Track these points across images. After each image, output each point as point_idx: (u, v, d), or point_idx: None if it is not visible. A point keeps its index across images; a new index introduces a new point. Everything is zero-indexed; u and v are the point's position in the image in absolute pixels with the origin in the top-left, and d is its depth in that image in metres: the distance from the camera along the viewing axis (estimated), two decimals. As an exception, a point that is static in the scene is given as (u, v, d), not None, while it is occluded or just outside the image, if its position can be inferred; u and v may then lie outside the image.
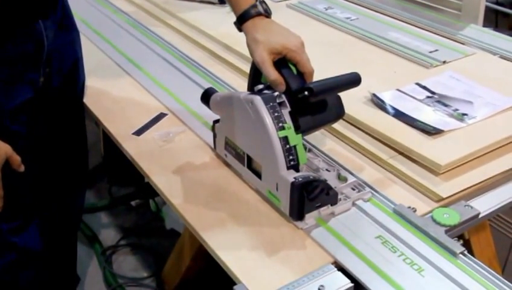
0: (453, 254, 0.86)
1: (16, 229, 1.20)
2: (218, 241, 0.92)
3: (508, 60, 1.48)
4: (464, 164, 1.06)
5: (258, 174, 0.99)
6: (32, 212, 1.22)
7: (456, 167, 1.05)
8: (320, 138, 1.16)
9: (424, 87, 1.29)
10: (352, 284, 0.83)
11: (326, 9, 1.80)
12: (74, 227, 1.53)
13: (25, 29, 1.07)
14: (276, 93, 0.97)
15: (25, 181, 1.17)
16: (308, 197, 0.89)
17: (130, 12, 1.83)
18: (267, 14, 1.06)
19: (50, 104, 1.19)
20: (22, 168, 1.04)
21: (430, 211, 0.96)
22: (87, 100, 1.33)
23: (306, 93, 0.95)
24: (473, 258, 0.86)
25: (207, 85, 1.30)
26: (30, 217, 1.22)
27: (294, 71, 1.00)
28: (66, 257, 1.49)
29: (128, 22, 1.76)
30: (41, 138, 1.19)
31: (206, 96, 1.10)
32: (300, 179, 0.90)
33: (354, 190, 1.00)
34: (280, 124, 0.93)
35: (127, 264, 1.99)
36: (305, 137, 1.06)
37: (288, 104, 0.96)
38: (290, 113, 0.96)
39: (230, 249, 0.90)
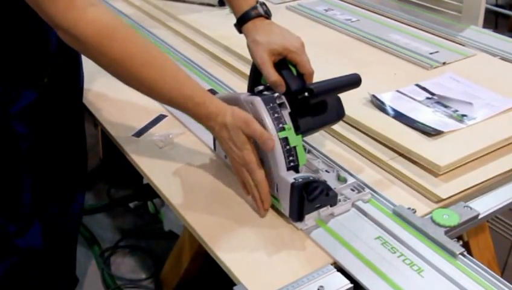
0: (453, 254, 0.86)
1: (20, 231, 1.21)
2: (217, 242, 0.91)
3: (507, 61, 1.48)
4: (464, 165, 1.06)
5: (258, 175, 0.99)
6: (35, 213, 1.22)
7: (455, 168, 1.05)
8: (319, 139, 1.16)
9: (424, 89, 1.30)
10: (351, 285, 0.83)
11: (326, 11, 1.81)
12: (74, 228, 1.52)
13: (30, 31, 1.07)
14: (276, 94, 0.97)
15: (27, 182, 1.17)
16: (308, 198, 0.89)
17: (130, 14, 1.83)
18: (267, 15, 1.06)
19: (52, 105, 1.19)
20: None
21: (430, 212, 0.96)
22: (87, 102, 1.33)
23: (306, 94, 0.95)
24: (472, 259, 0.86)
25: (207, 87, 1.30)
26: (33, 218, 1.22)
27: (295, 72, 1.00)
28: (65, 258, 1.49)
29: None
30: (43, 139, 1.19)
31: (206, 98, 1.10)
32: (300, 180, 0.90)
33: (353, 190, 1.00)
34: (280, 125, 0.93)
35: (126, 266, 1.99)
36: (305, 138, 1.06)
37: (288, 105, 0.96)
38: (290, 114, 0.96)
39: (230, 250, 0.90)
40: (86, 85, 1.33)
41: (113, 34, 0.92)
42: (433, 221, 0.93)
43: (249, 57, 1.05)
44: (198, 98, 0.96)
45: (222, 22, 1.66)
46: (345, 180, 1.00)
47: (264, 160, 0.96)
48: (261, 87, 1.01)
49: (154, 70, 0.95)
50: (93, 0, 0.91)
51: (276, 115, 0.94)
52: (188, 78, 0.98)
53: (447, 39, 1.61)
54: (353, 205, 0.98)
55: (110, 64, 0.94)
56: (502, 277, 0.83)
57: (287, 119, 0.95)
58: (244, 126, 0.94)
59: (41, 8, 0.89)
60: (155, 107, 1.30)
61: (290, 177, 0.91)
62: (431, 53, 1.49)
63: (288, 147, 0.93)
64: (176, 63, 0.99)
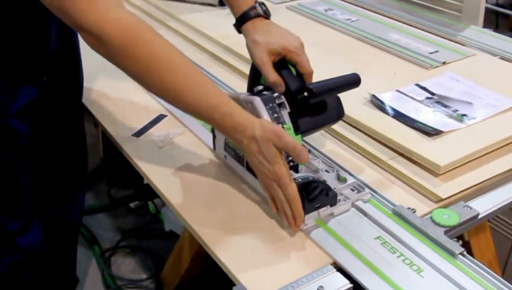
0: (452, 254, 0.86)
1: (19, 230, 1.21)
2: (217, 242, 0.91)
3: (508, 61, 1.48)
4: (464, 164, 1.06)
5: (258, 175, 0.99)
6: (35, 213, 1.22)
7: (455, 168, 1.05)
8: (319, 139, 1.16)
9: (424, 88, 1.29)
10: (351, 285, 0.83)
11: (326, 11, 1.81)
12: (74, 228, 1.53)
13: (30, 29, 1.07)
14: (275, 94, 0.97)
15: (27, 181, 1.17)
16: (308, 197, 0.89)
17: (130, 14, 1.83)
18: (266, 15, 1.06)
19: (52, 104, 1.19)
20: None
21: (430, 212, 0.96)
22: (86, 101, 1.33)
23: (305, 94, 0.95)
24: (472, 258, 0.86)
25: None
26: (33, 217, 1.22)
27: (294, 72, 1.00)
28: (65, 258, 1.49)
29: (128, 23, 1.76)
30: (43, 138, 1.19)
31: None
32: (299, 180, 0.90)
33: (353, 190, 1.00)
34: (280, 125, 0.93)
35: (126, 266, 1.99)
36: (305, 138, 1.06)
37: (287, 105, 0.96)
38: (290, 114, 0.96)
39: (230, 250, 0.90)
40: (85, 85, 1.33)
41: (138, 35, 0.90)
42: (433, 221, 0.92)
43: (249, 57, 1.05)
44: (224, 108, 0.91)
45: (222, 21, 1.66)
46: (344, 180, 1.00)
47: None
48: (260, 87, 1.01)
49: (180, 76, 0.91)
50: (116, 2, 0.89)
51: (275, 115, 0.94)
52: (214, 86, 0.94)
53: (447, 39, 1.61)
54: (353, 205, 0.98)
55: (134, 68, 0.91)
56: (502, 276, 0.82)
57: (287, 119, 0.95)
58: (276, 139, 0.88)
59: (64, 10, 0.88)
60: (155, 107, 1.30)
61: (290, 177, 0.91)
62: (431, 53, 1.49)
63: (287, 147, 0.93)
64: (200, 70, 0.95)
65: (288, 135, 0.89)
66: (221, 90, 0.94)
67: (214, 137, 1.10)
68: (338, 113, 1.04)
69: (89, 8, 0.87)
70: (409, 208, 0.95)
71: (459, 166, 1.05)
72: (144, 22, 0.92)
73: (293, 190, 0.89)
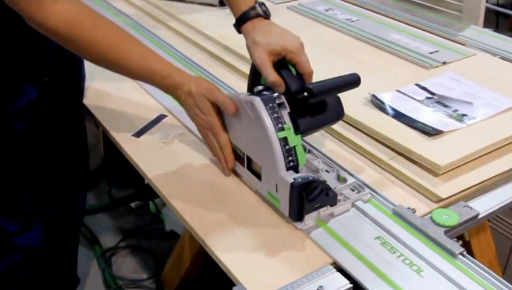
0: (452, 254, 0.86)
1: (20, 230, 1.21)
2: (217, 242, 0.92)
3: (508, 61, 1.48)
4: (464, 164, 1.06)
5: (258, 175, 0.99)
6: (35, 212, 1.23)
7: (455, 168, 1.05)
8: (319, 139, 1.16)
9: (424, 88, 1.29)
10: (351, 285, 0.83)
11: (327, 11, 1.81)
12: (75, 228, 1.53)
13: (30, 28, 1.07)
14: (275, 94, 0.97)
15: (27, 181, 1.18)
16: (308, 198, 0.89)
17: (131, 15, 1.83)
18: (266, 15, 1.07)
19: (52, 104, 1.19)
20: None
21: (430, 212, 0.96)
22: (87, 101, 1.33)
23: (305, 94, 0.95)
24: (472, 258, 0.86)
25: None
26: (33, 217, 1.22)
27: (294, 72, 1.00)
28: (66, 258, 1.49)
29: (129, 24, 1.76)
30: (43, 138, 1.20)
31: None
32: (299, 180, 0.90)
33: (353, 190, 1.00)
34: (279, 125, 0.93)
35: (127, 266, 1.99)
36: (305, 138, 1.06)
37: (287, 105, 0.96)
38: (290, 114, 0.96)
39: (230, 250, 0.90)
40: (87, 84, 1.33)
41: (82, 23, 0.97)
42: (433, 221, 0.92)
43: (249, 57, 1.05)
44: (164, 71, 1.03)
45: (222, 21, 1.67)
46: (344, 180, 1.00)
47: (263, 160, 0.96)
48: (260, 87, 1.01)
49: (122, 51, 1.01)
50: None
51: (275, 115, 0.94)
52: (154, 54, 1.05)
53: (447, 39, 1.61)
54: (353, 205, 0.98)
55: (79, 49, 1.00)
56: (502, 276, 0.83)
57: (287, 119, 0.95)
58: (208, 94, 1.01)
59: (13, 1, 0.93)
60: (155, 107, 1.30)
61: (290, 177, 0.90)
62: (431, 52, 1.49)
63: (287, 147, 0.93)
64: (142, 42, 1.06)
65: (219, 90, 1.03)
66: (161, 56, 1.06)
67: (214, 137, 1.10)
68: (338, 113, 1.03)
69: (36, 1, 0.93)
70: (409, 208, 0.95)
71: (459, 166, 1.05)
72: (87, 7, 0.99)
73: (224, 138, 1.04)
